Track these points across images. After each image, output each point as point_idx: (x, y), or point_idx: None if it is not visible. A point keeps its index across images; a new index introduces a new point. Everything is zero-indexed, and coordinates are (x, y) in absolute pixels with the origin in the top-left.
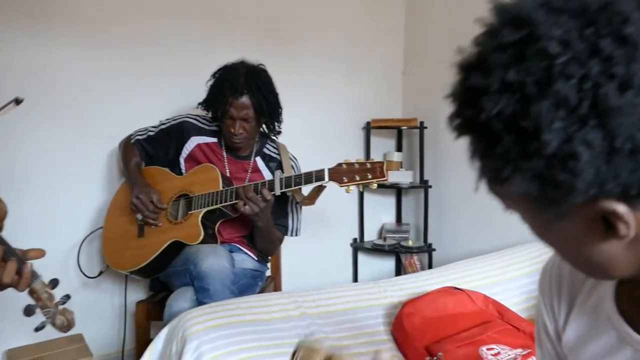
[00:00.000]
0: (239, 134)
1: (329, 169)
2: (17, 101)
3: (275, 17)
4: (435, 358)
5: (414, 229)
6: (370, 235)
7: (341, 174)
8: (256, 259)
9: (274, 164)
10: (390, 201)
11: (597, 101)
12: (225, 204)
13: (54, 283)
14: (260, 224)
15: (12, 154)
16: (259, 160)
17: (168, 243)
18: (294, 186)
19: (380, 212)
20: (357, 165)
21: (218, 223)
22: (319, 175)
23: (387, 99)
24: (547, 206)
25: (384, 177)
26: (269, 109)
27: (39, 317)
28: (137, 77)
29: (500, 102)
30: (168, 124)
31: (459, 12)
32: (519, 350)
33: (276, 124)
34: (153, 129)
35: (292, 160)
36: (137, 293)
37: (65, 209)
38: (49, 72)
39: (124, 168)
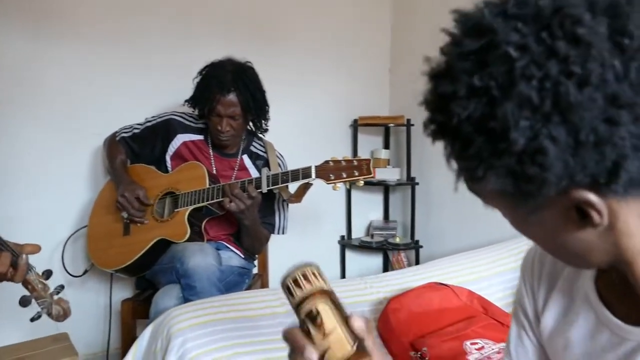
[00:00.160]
0: (226, 132)
1: (315, 167)
2: None
3: (262, 15)
4: (420, 353)
5: (401, 226)
6: (358, 233)
7: (328, 171)
8: (243, 256)
9: (261, 161)
10: (377, 198)
11: (559, 99)
12: (212, 201)
13: (48, 274)
14: (246, 223)
15: None
16: (245, 158)
17: (154, 241)
18: (281, 183)
19: (368, 209)
20: (344, 163)
21: (205, 221)
22: (305, 172)
23: (374, 97)
24: (523, 200)
25: (370, 174)
26: (256, 106)
27: (34, 308)
28: (122, 75)
29: (469, 106)
30: (154, 122)
31: (445, 9)
32: (502, 345)
33: (263, 121)
34: (139, 127)
35: (279, 158)
36: (123, 291)
37: (49, 207)
38: (33, 69)
39: (109, 166)
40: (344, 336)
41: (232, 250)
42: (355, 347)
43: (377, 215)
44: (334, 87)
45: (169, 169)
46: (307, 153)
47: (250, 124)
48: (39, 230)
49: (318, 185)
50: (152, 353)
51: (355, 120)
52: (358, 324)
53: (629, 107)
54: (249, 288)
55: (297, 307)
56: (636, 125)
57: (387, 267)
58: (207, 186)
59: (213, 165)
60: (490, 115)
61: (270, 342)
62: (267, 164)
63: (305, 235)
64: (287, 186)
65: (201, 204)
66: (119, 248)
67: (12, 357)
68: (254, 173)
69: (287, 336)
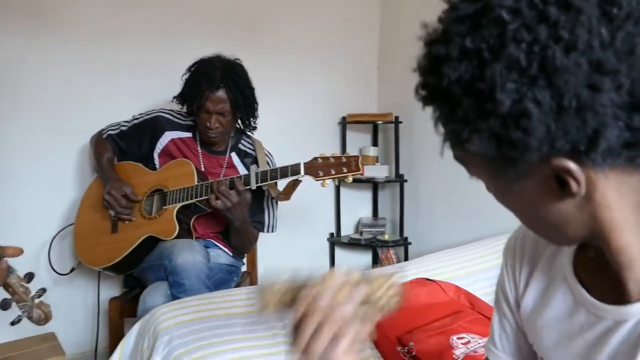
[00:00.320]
0: (214, 128)
1: (304, 163)
2: None
3: (251, 13)
4: (406, 348)
5: (390, 223)
6: (347, 230)
7: (317, 168)
8: (231, 254)
9: (249, 159)
10: (366, 195)
11: (545, 62)
12: (200, 198)
13: (30, 277)
14: (236, 224)
15: None
16: (234, 155)
17: (142, 238)
18: (270, 180)
19: (357, 206)
20: (332, 160)
21: (193, 218)
22: (294, 169)
23: (362, 94)
24: (505, 167)
25: (359, 170)
26: (245, 103)
27: (15, 311)
28: (109, 73)
29: (460, 68)
30: (141, 119)
31: (434, 7)
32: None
33: (252, 119)
34: (126, 124)
35: (268, 157)
36: (111, 290)
37: (36, 205)
38: (19, 68)
39: (96, 164)
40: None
41: (221, 248)
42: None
43: (366, 212)
44: (323, 84)
45: (157, 166)
46: (295, 151)
47: (239, 121)
48: (26, 229)
49: (307, 183)
50: (139, 351)
51: (344, 118)
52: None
53: (612, 74)
54: (237, 286)
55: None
56: (618, 93)
57: (376, 264)
58: (196, 183)
59: (201, 163)
60: (479, 77)
61: (258, 339)
62: (255, 161)
63: (294, 233)
64: (275, 183)
65: (189, 201)
66: (106, 246)
67: None
68: (242, 170)
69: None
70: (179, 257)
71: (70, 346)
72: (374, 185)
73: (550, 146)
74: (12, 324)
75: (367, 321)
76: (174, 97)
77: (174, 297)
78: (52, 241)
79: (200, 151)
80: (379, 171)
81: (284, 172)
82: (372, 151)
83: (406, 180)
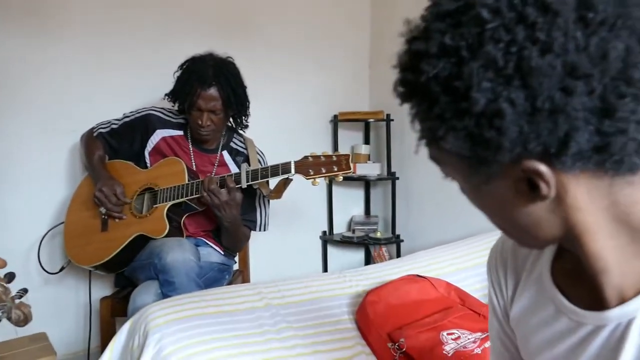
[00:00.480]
0: (206, 126)
1: (295, 162)
2: None
3: (242, 11)
4: (397, 344)
5: (382, 220)
6: (340, 228)
7: (307, 166)
8: (222, 252)
9: (241, 158)
10: (358, 193)
11: (521, 63)
12: (191, 197)
13: (10, 277)
14: (225, 224)
15: None
16: (225, 154)
17: (133, 237)
18: (260, 179)
19: (349, 204)
20: (323, 158)
21: (184, 217)
22: (285, 168)
23: (354, 92)
24: (478, 167)
25: (349, 169)
26: (237, 101)
27: None
28: (100, 70)
29: (438, 65)
30: (132, 117)
31: (424, 5)
32: (478, 334)
33: (243, 117)
34: (117, 122)
35: (259, 155)
36: (102, 289)
37: (26, 204)
38: (8, 65)
39: (87, 162)
40: None
41: (212, 247)
42: None
43: (358, 210)
44: (314, 83)
45: (148, 164)
46: (287, 149)
47: (231, 119)
48: (15, 228)
49: (299, 182)
50: (130, 350)
51: (336, 116)
52: None
53: (585, 78)
54: (229, 284)
55: None
56: (590, 98)
57: (368, 261)
58: (186, 182)
59: (193, 161)
60: (457, 74)
61: (248, 336)
62: (247, 160)
63: (286, 231)
64: (267, 182)
65: (180, 200)
66: (97, 244)
67: None
68: (233, 169)
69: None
70: (168, 256)
71: (61, 346)
72: (366, 183)
73: (523, 148)
74: None
75: None
76: (166, 95)
77: (164, 295)
78: (42, 240)
79: (191, 149)
80: (370, 169)
81: (274, 170)
82: (364, 149)
83: (398, 178)
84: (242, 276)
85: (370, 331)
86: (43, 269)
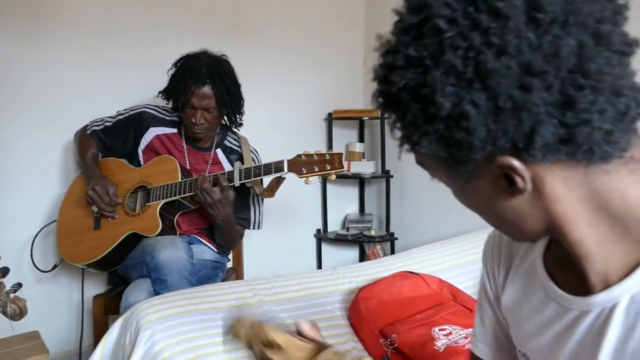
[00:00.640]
0: (200, 124)
1: (288, 161)
2: None
3: (236, 9)
4: (389, 340)
5: (376, 218)
6: (334, 226)
7: (300, 165)
8: (216, 250)
9: (235, 156)
10: (353, 191)
11: (479, 66)
12: (184, 195)
13: (4, 272)
14: (218, 222)
15: None
16: (219, 152)
17: (125, 235)
18: (253, 177)
19: (344, 202)
20: (316, 157)
21: (177, 215)
22: (278, 166)
23: (348, 90)
24: (456, 167)
25: (342, 168)
26: (230, 99)
27: None
28: (93, 67)
29: (406, 75)
30: (126, 115)
31: None
32: (470, 330)
33: (237, 115)
34: (110, 120)
35: (253, 153)
36: (95, 287)
37: (19, 202)
38: (1, 62)
39: (80, 159)
40: (299, 342)
41: (205, 244)
42: (314, 344)
43: (353, 208)
44: (309, 81)
45: (142, 162)
46: (282, 147)
47: (225, 118)
48: (8, 226)
49: (293, 180)
50: (121, 347)
51: (330, 114)
52: (304, 327)
53: (541, 75)
54: (223, 282)
55: (249, 346)
56: (549, 93)
57: (363, 259)
58: (179, 180)
59: (186, 159)
60: (422, 83)
61: None
62: (241, 158)
63: (281, 229)
64: (260, 180)
65: (173, 198)
66: (89, 242)
67: None
68: (227, 167)
69: None
70: (161, 254)
71: (54, 344)
72: (361, 181)
73: (493, 145)
74: None
75: None
76: (159, 92)
77: (156, 293)
78: (34, 238)
79: (185, 147)
80: (365, 167)
81: (267, 169)
82: (358, 147)
83: (392, 176)
84: (236, 274)
85: (362, 327)
86: (36, 267)
